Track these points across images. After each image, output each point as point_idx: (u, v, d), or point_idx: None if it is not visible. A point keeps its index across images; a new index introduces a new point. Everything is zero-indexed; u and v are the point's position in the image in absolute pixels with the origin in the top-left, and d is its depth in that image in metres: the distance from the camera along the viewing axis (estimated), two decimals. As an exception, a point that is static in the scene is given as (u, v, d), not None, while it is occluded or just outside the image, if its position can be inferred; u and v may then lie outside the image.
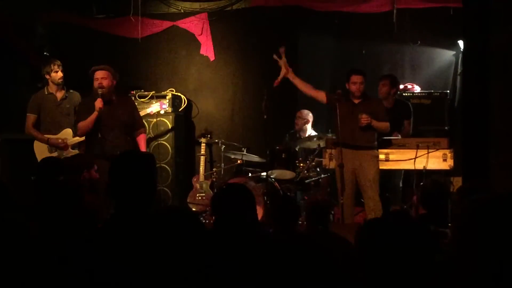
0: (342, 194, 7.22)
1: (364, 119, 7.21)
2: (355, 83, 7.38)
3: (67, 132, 7.65)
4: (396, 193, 8.24)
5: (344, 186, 7.23)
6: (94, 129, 7.05)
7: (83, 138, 7.58)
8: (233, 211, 3.45)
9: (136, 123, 7.42)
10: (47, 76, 7.63)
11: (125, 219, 2.93)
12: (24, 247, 3.15)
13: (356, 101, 7.45)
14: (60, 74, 7.59)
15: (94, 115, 6.99)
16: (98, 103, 6.98)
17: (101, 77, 7.09)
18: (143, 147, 7.38)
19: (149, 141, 9.14)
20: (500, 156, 6.20)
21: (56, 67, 7.58)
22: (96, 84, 7.10)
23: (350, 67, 8.54)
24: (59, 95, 7.69)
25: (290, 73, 7.71)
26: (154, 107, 8.58)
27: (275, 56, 7.68)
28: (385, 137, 7.80)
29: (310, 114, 9.07)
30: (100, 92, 7.03)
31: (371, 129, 7.36)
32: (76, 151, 7.63)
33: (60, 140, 7.57)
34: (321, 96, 7.69)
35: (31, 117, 7.65)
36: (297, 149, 8.68)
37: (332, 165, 7.78)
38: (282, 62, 7.69)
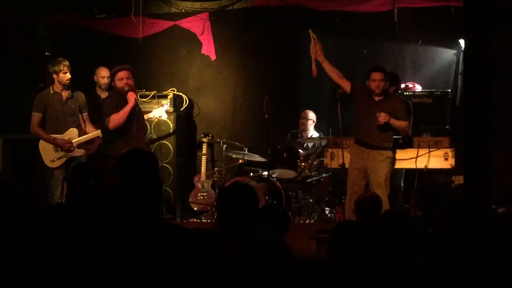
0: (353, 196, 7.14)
1: (382, 117, 7.15)
2: (375, 80, 7.33)
3: (73, 132, 7.63)
4: (398, 192, 8.23)
5: (356, 185, 7.25)
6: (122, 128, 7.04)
7: (89, 137, 7.62)
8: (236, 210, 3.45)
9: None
10: (55, 76, 7.61)
11: (133, 221, 2.94)
12: (39, 247, 3.18)
13: (377, 99, 7.41)
14: (68, 75, 7.57)
15: (128, 107, 7.01)
16: (134, 95, 7.10)
17: (126, 77, 7.15)
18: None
19: (150, 140, 9.16)
20: (501, 155, 6.22)
21: (65, 68, 7.57)
22: (121, 84, 7.11)
23: (351, 66, 8.57)
24: (65, 94, 7.68)
25: (320, 56, 7.67)
26: (157, 112, 8.52)
27: (312, 34, 7.68)
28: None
29: (314, 115, 9.09)
30: (126, 89, 7.10)
31: (389, 128, 7.33)
32: (82, 151, 7.64)
33: (67, 142, 7.55)
34: (346, 85, 7.64)
35: (36, 116, 7.58)
36: (300, 151, 8.69)
37: (334, 164, 7.79)
38: (316, 43, 7.63)
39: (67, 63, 7.61)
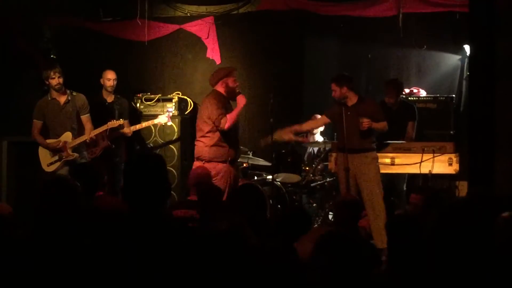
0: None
1: (366, 123, 7.18)
2: (333, 90, 7.41)
3: (67, 136, 7.69)
4: (401, 197, 8.23)
5: (349, 189, 7.22)
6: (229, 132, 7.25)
7: (80, 140, 7.65)
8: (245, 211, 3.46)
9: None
10: (47, 82, 7.68)
11: (139, 220, 2.95)
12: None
13: (350, 104, 7.41)
14: (56, 80, 7.59)
15: (238, 109, 7.28)
16: (244, 99, 7.32)
17: (236, 79, 7.46)
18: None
19: (154, 144, 9.18)
20: (506, 161, 6.21)
21: (52, 73, 7.59)
22: (235, 84, 7.37)
23: (356, 71, 8.58)
24: (62, 99, 7.73)
25: (291, 134, 7.81)
26: (162, 119, 8.56)
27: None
28: (389, 141, 7.82)
29: None
30: (238, 91, 7.35)
31: (371, 131, 7.34)
32: (76, 154, 7.67)
33: (55, 143, 7.63)
34: (324, 121, 7.96)
35: (36, 123, 7.76)
36: (305, 157, 8.71)
37: (337, 168, 7.80)
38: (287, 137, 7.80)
39: (56, 69, 7.63)
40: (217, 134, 7.22)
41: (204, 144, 7.30)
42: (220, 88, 7.32)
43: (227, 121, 7.11)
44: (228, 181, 7.21)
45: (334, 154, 7.83)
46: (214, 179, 6.96)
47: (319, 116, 9.08)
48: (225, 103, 7.26)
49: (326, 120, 7.81)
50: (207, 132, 7.26)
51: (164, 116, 8.61)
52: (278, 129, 7.64)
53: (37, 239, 3.21)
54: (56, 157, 7.69)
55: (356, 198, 5.90)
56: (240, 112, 7.40)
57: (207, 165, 7.11)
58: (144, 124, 8.55)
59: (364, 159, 7.32)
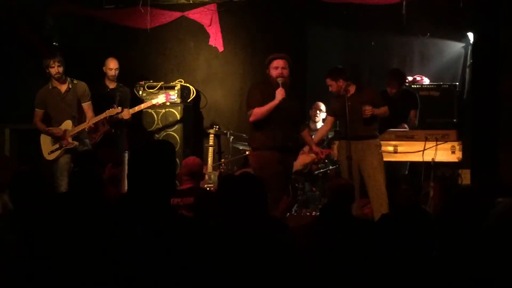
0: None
1: (368, 110, 7.16)
2: (329, 85, 7.40)
3: (67, 124, 7.72)
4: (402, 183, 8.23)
5: (352, 178, 7.22)
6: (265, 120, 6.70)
7: (79, 128, 7.63)
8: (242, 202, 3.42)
9: (301, 117, 7.21)
10: (47, 70, 7.70)
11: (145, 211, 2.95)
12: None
13: (349, 94, 7.38)
14: (56, 69, 7.61)
15: (273, 103, 6.62)
16: (282, 93, 6.61)
17: (282, 67, 6.72)
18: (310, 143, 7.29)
19: (157, 131, 9.17)
20: (509, 149, 6.21)
21: (52, 62, 7.61)
22: (276, 73, 6.70)
23: (359, 59, 8.56)
24: (63, 88, 7.76)
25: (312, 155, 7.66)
26: (160, 99, 8.59)
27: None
28: (392, 129, 7.81)
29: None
30: (280, 82, 6.67)
31: (374, 119, 7.33)
32: (76, 143, 7.68)
33: (55, 130, 7.65)
34: (330, 121, 7.76)
35: (37, 112, 7.80)
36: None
37: (340, 156, 7.79)
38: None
39: (56, 58, 7.65)
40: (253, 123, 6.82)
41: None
42: (267, 75, 6.89)
43: (252, 115, 6.73)
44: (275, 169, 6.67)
45: (337, 142, 7.82)
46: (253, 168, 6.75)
47: (320, 104, 9.09)
48: (270, 91, 6.71)
49: (332, 119, 7.71)
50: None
51: (162, 96, 8.63)
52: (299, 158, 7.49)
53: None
54: (57, 145, 7.70)
55: (349, 182, 5.87)
56: (276, 105, 6.62)
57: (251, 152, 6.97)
58: (142, 106, 8.50)
59: (367, 146, 7.31)
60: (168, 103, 8.88)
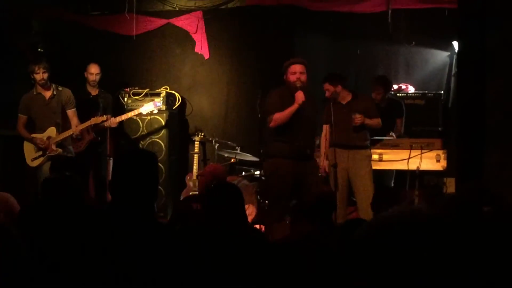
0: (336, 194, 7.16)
1: (358, 118, 7.18)
2: (326, 90, 7.36)
3: (51, 131, 7.67)
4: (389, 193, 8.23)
5: (338, 186, 7.20)
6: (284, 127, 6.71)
7: (69, 134, 7.59)
8: (223, 209, 3.44)
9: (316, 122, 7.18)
10: (32, 76, 7.66)
11: (122, 217, 2.93)
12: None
13: (344, 102, 7.40)
14: (41, 76, 7.58)
15: (294, 107, 6.63)
16: (301, 96, 6.62)
17: (300, 72, 6.74)
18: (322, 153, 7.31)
19: (142, 138, 9.14)
20: (494, 157, 6.21)
21: (37, 68, 7.58)
22: (294, 77, 6.72)
23: (345, 67, 8.57)
24: (47, 94, 7.72)
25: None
26: (148, 107, 8.53)
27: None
28: (378, 137, 7.82)
29: None
30: (298, 86, 6.69)
31: (364, 127, 7.34)
32: (60, 150, 7.63)
33: (39, 141, 7.59)
34: (326, 129, 7.57)
35: (21, 118, 7.77)
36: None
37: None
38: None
39: (41, 64, 7.61)
40: (273, 129, 6.82)
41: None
42: (287, 79, 6.88)
43: (273, 121, 6.73)
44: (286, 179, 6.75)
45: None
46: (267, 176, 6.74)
47: None
48: (288, 97, 6.74)
49: (328, 127, 7.56)
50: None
51: (150, 104, 8.58)
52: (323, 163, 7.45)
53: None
54: (40, 152, 7.67)
55: (331, 190, 5.86)
56: (297, 109, 6.64)
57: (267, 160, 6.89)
58: (129, 114, 8.48)
59: (357, 156, 7.32)
60: (155, 111, 8.83)
